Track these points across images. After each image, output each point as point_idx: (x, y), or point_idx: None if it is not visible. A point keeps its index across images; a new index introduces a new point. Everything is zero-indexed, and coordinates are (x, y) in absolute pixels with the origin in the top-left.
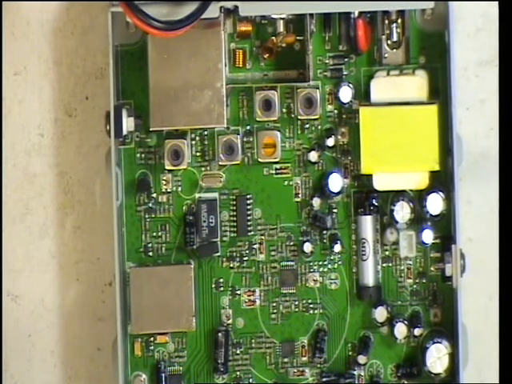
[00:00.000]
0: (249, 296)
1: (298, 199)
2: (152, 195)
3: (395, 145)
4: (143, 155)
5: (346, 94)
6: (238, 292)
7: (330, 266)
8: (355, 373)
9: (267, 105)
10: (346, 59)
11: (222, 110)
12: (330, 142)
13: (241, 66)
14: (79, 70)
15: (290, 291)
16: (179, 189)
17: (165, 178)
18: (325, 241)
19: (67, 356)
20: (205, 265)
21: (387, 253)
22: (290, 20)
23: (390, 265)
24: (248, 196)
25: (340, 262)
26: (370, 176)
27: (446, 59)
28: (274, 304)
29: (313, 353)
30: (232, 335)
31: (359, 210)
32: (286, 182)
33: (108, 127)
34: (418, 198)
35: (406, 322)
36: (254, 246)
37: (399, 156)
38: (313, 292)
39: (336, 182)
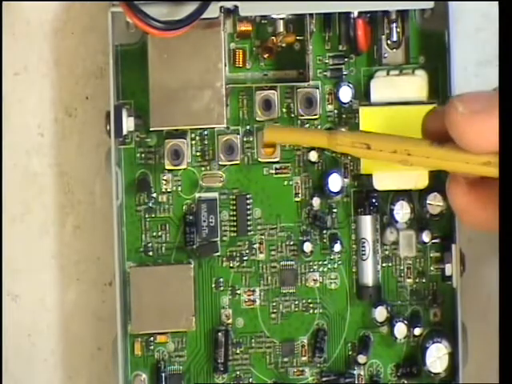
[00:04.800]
0: (249, 296)
1: (298, 199)
2: (152, 195)
3: None
4: (143, 155)
5: (345, 93)
6: (238, 292)
7: (329, 266)
8: (355, 372)
9: (267, 105)
10: (345, 59)
11: (221, 109)
12: None
13: (241, 65)
14: (79, 70)
15: (290, 291)
16: (179, 189)
17: (165, 177)
18: (325, 240)
19: (67, 356)
20: (205, 264)
21: (387, 252)
22: (289, 20)
23: (390, 264)
24: (248, 196)
25: (340, 262)
26: (369, 176)
27: (446, 59)
28: (274, 304)
29: (313, 352)
30: (232, 335)
31: (359, 210)
32: (285, 182)
33: (108, 127)
34: (418, 198)
35: (405, 322)
36: (254, 246)
37: None
38: (313, 292)
39: (336, 182)
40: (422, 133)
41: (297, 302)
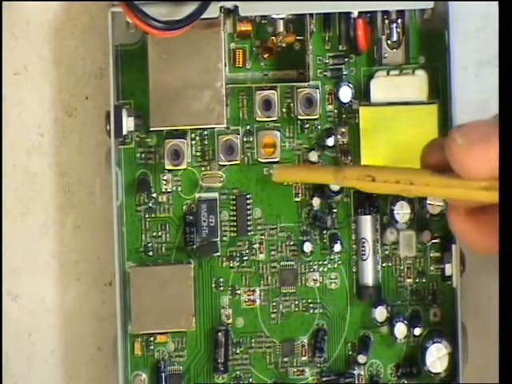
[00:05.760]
0: (249, 296)
1: (298, 199)
2: (152, 195)
3: (395, 145)
4: (143, 155)
5: (345, 93)
6: (238, 292)
7: (329, 266)
8: (355, 372)
9: (267, 105)
10: (345, 59)
11: (221, 109)
12: (330, 141)
13: (241, 65)
14: (79, 70)
15: (290, 291)
16: (179, 189)
17: (165, 177)
18: (325, 240)
19: (67, 356)
20: (205, 264)
21: (387, 252)
22: (289, 20)
23: (390, 264)
24: (248, 196)
25: (340, 262)
26: None
27: (446, 59)
28: (274, 304)
29: (313, 352)
30: (232, 335)
31: (359, 210)
32: (285, 182)
33: (108, 127)
34: (418, 198)
35: (405, 322)
36: (254, 246)
37: (399, 156)
38: (313, 292)
39: None
40: (422, 164)
41: (297, 302)
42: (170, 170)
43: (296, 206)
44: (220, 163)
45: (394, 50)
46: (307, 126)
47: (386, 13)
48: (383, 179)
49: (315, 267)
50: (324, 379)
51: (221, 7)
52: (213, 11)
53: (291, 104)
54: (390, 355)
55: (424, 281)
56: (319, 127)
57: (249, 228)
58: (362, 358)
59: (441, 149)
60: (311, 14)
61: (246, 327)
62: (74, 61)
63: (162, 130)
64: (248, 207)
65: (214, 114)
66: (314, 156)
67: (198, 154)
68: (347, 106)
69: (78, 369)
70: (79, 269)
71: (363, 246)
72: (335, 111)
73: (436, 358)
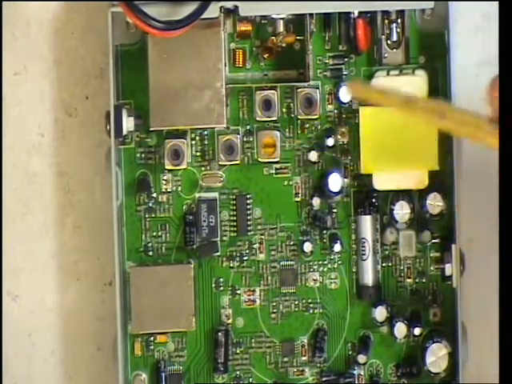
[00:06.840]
0: (249, 295)
1: (298, 199)
2: (152, 195)
3: (395, 144)
4: (143, 155)
5: (345, 93)
6: (238, 291)
7: (329, 266)
8: (355, 372)
9: (267, 105)
10: (345, 59)
11: (221, 109)
12: (330, 141)
13: (241, 65)
14: (79, 69)
15: (290, 291)
16: (179, 188)
17: (165, 177)
18: (325, 240)
19: (67, 356)
20: (205, 264)
21: (387, 252)
22: (289, 20)
23: (390, 264)
24: (248, 196)
25: (340, 262)
26: (369, 176)
27: (446, 59)
28: (274, 303)
29: (313, 352)
30: (232, 335)
31: (359, 210)
32: (285, 182)
33: (108, 127)
34: (417, 198)
35: (405, 322)
36: (254, 246)
37: (399, 156)
38: (313, 291)
39: (336, 182)
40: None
41: (297, 302)
42: (169, 170)
43: (296, 206)
44: (220, 163)
45: (394, 49)
46: (307, 126)
47: (386, 13)
48: (453, 118)
49: (315, 267)
50: (324, 379)
51: (221, 7)
52: (213, 11)
53: (291, 104)
54: (389, 355)
55: (424, 281)
56: (319, 127)
57: (249, 228)
58: (361, 358)
59: None
60: (311, 14)
61: (246, 327)
62: (74, 61)
63: (162, 130)
64: (248, 207)
65: (214, 114)
66: (313, 156)
67: (198, 153)
68: (347, 105)
69: (78, 369)
70: (79, 269)
71: (363, 246)
72: (335, 111)
73: (436, 357)
